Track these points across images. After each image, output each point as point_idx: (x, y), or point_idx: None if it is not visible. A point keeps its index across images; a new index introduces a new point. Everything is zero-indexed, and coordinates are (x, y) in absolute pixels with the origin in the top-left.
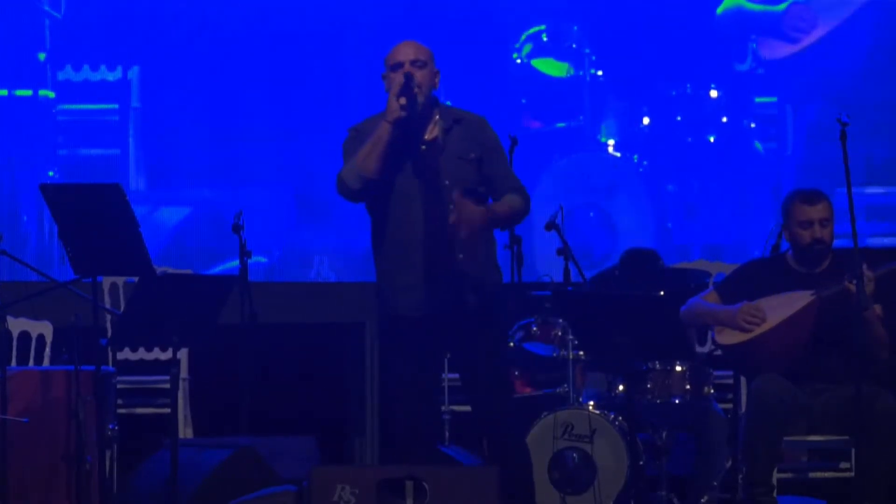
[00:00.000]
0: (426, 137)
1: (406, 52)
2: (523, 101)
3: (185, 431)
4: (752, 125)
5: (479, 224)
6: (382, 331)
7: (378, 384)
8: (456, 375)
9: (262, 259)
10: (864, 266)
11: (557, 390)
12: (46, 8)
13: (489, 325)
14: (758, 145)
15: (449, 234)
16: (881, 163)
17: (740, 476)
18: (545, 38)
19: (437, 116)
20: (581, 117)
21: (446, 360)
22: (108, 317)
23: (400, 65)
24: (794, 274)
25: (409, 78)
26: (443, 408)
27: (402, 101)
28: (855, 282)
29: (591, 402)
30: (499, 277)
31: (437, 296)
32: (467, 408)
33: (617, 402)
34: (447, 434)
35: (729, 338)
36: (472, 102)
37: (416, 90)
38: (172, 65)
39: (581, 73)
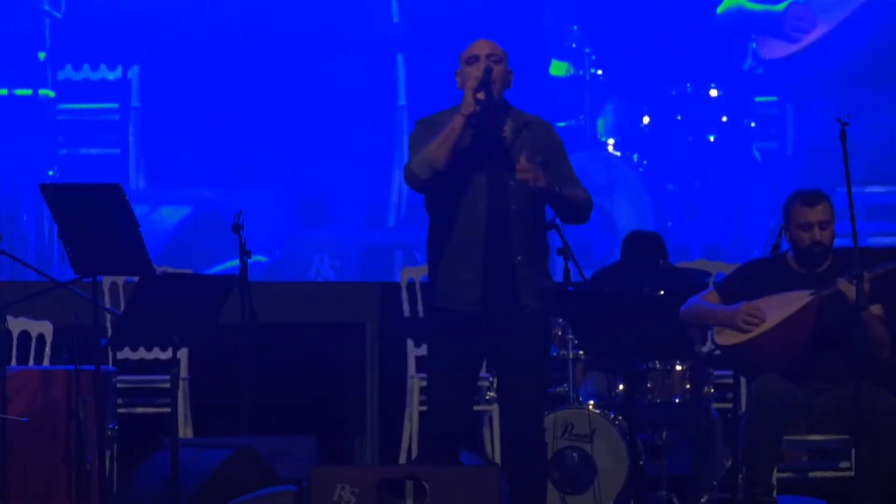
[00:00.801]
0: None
1: (483, 46)
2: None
3: (185, 431)
4: (753, 125)
5: (537, 179)
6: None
7: (378, 384)
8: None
9: (262, 259)
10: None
11: (557, 390)
12: (46, 7)
13: (541, 331)
14: (756, 153)
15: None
16: (881, 163)
17: (740, 476)
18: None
19: (510, 117)
20: (581, 116)
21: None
22: (108, 316)
23: (476, 58)
24: (794, 274)
25: (488, 72)
26: None
27: (480, 95)
28: (846, 282)
29: (591, 402)
30: (551, 284)
31: (493, 294)
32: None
33: (617, 401)
34: None
35: (728, 338)
36: None
37: (492, 85)
38: (172, 65)
39: (581, 72)
